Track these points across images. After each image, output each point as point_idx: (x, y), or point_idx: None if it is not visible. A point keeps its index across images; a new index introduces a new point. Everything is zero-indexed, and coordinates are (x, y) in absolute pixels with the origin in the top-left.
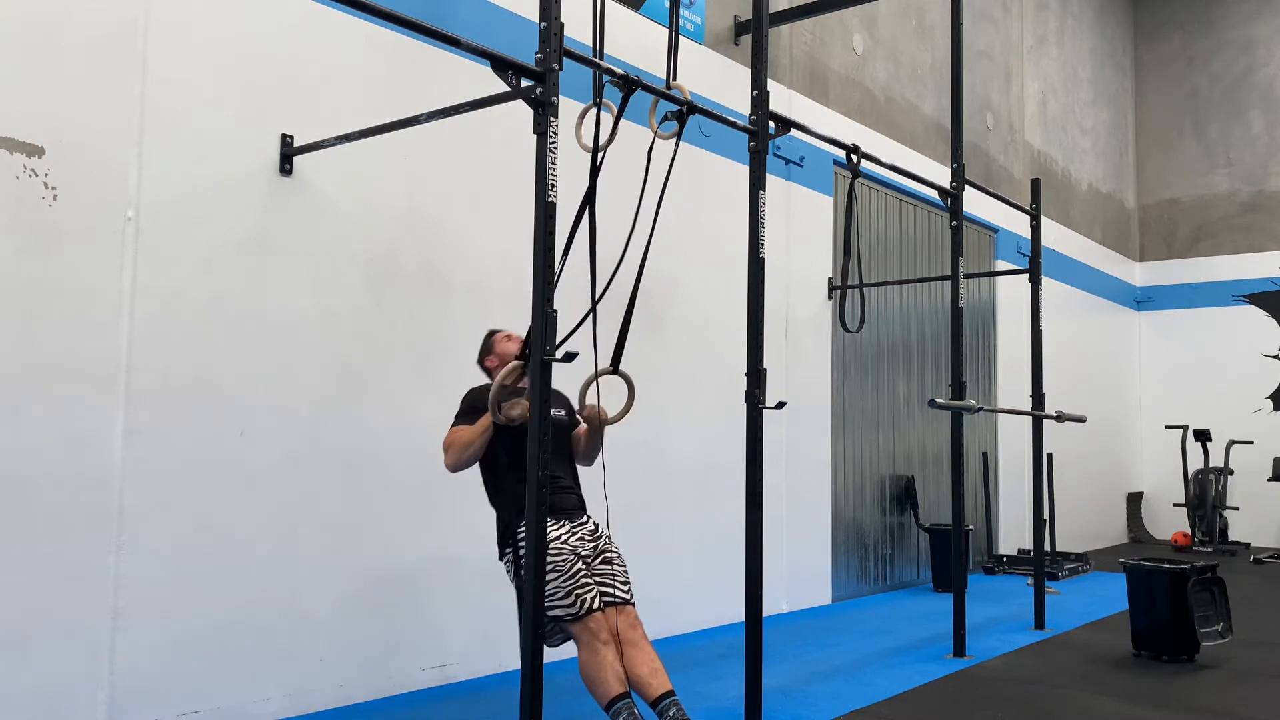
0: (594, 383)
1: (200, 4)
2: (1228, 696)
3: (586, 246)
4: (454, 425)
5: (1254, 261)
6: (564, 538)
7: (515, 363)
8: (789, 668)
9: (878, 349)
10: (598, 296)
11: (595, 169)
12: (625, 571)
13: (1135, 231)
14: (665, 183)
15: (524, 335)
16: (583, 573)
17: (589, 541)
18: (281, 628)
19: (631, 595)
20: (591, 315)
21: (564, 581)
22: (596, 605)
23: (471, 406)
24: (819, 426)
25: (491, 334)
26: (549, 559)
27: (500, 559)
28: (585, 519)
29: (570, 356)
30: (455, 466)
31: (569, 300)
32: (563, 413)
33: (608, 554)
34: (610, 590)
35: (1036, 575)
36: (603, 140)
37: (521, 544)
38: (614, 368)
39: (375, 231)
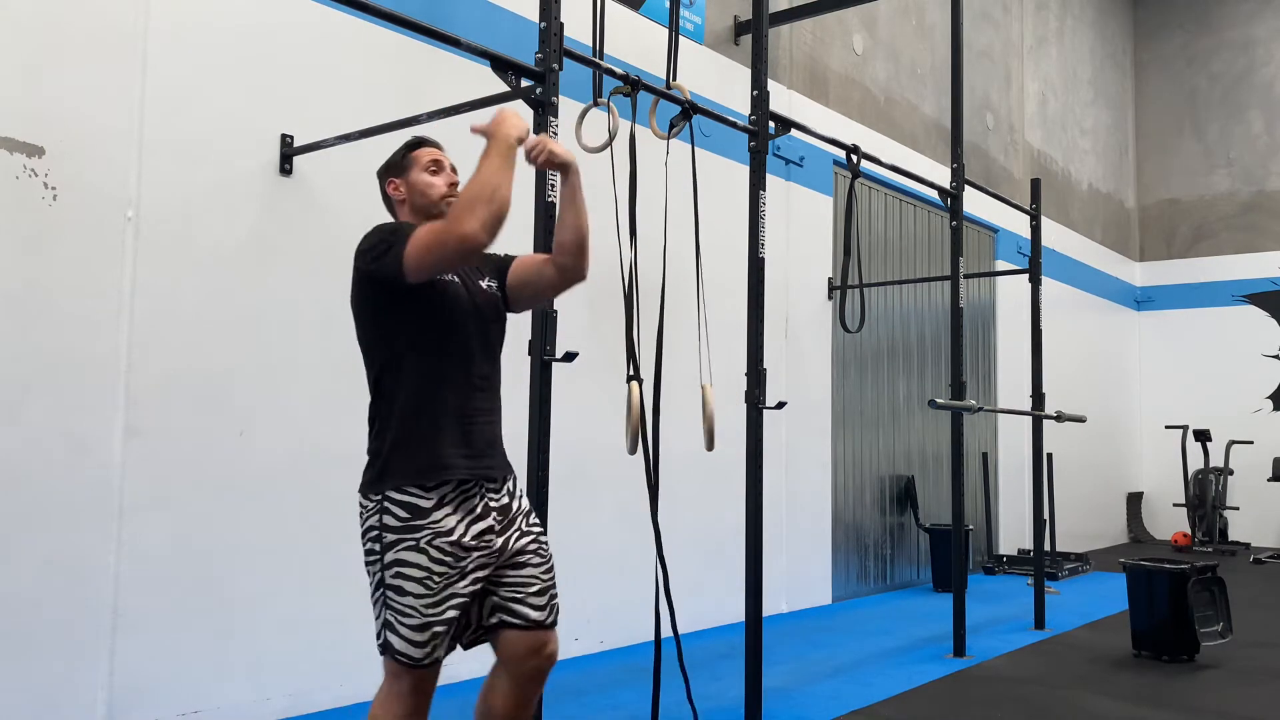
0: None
1: (200, 4)
2: (1228, 696)
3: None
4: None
5: (1254, 261)
6: (459, 532)
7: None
8: (789, 668)
9: (878, 349)
10: (629, 296)
11: (633, 173)
12: (546, 574)
13: (1135, 231)
14: (618, 169)
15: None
16: (454, 602)
17: (496, 533)
18: (281, 628)
19: (549, 615)
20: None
21: (425, 606)
22: (440, 655)
23: (396, 236)
24: (819, 426)
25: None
26: (419, 565)
27: (363, 537)
28: (499, 486)
29: (570, 356)
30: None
31: (568, 303)
32: (491, 283)
33: (521, 549)
34: (516, 609)
35: (1036, 575)
36: (602, 141)
37: (391, 533)
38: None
39: None
